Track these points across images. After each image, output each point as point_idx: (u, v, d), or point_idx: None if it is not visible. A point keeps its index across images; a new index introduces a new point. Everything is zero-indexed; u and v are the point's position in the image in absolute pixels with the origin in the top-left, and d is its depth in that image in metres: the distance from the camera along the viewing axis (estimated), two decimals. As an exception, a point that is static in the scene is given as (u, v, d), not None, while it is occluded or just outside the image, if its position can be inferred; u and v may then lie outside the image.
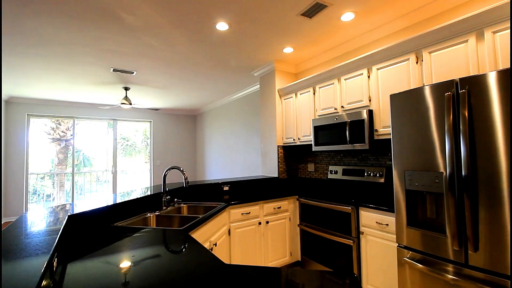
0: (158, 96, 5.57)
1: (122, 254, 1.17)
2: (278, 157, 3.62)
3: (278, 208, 2.86)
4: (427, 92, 1.68)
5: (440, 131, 1.62)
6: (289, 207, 2.96)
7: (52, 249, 0.92)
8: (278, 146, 3.62)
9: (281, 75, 3.77)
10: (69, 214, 1.51)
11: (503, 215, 1.37)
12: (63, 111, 6.07)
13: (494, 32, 1.72)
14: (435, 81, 2.02)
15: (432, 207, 1.70)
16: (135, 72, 3.98)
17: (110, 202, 1.86)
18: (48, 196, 6.38)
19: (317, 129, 2.97)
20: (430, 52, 2.06)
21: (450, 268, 1.57)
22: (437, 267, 1.62)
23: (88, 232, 1.52)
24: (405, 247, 1.80)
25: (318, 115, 3.06)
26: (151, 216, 2.00)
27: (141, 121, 7.14)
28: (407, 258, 1.77)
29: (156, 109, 6.00)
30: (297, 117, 3.38)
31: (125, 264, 1.06)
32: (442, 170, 1.61)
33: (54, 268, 0.95)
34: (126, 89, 4.81)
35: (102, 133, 6.69)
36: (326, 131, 2.86)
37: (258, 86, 4.80)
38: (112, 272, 0.98)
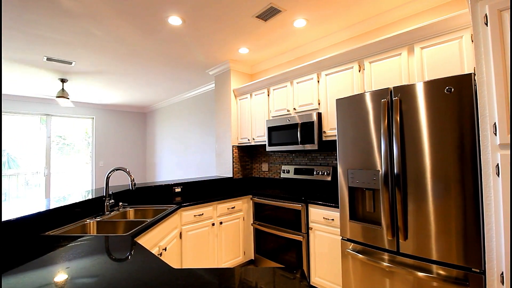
0: (101, 90, 5.10)
1: (54, 267, 1.04)
2: (233, 157, 3.61)
3: (232, 208, 2.86)
4: (367, 98, 1.85)
5: (377, 133, 1.80)
6: (243, 207, 2.98)
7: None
8: (233, 146, 3.62)
9: (237, 75, 3.77)
10: (-15, 224, 1.29)
11: (427, 207, 1.58)
12: (-19, 104, 5.15)
13: (422, 48, 1.98)
14: (374, 88, 2.24)
15: (370, 202, 1.87)
16: (74, 63, 3.58)
17: (41, 208, 1.64)
18: (-41, 204, 5.34)
19: (271, 130, 3.04)
20: (370, 62, 2.28)
21: (385, 256, 1.75)
22: (375, 256, 1.80)
23: (12, 244, 1.32)
24: (348, 240, 1.96)
25: (272, 116, 3.14)
26: (91, 222, 1.82)
27: (81, 118, 6.45)
28: (350, 249, 1.93)
29: (71, 107, 5.44)
30: (252, 117, 3.42)
31: (59, 278, 0.95)
32: (378, 168, 1.79)
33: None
34: (63, 81, 4.29)
35: (32, 130, 5.86)
36: (279, 131, 2.95)
37: (213, 85, 4.73)
38: (41, 288, 0.86)
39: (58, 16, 2.41)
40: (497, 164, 1.28)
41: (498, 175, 1.28)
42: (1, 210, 0.89)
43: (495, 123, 1.29)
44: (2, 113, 5.46)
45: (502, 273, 1.27)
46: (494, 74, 1.29)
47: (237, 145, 3.66)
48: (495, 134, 1.29)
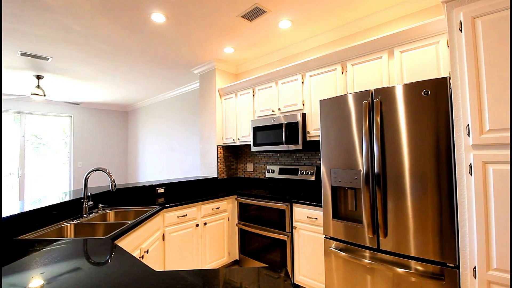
0: (80, 88, 4.91)
1: (28, 272, 0.99)
2: (217, 157, 3.58)
3: (217, 208, 2.84)
4: (350, 99, 1.90)
5: (359, 134, 1.85)
6: (227, 207, 2.96)
7: None
8: (217, 146, 3.59)
9: (222, 74, 3.75)
10: (-50, 229, 1.20)
11: (406, 205, 1.63)
12: None
13: (402, 52, 2.05)
14: (356, 89, 2.29)
15: (352, 200, 1.92)
16: (50, 59, 3.42)
17: (14, 211, 1.56)
18: None
19: (256, 130, 3.05)
20: (353, 64, 2.33)
21: (366, 253, 1.80)
22: (357, 253, 1.85)
23: (-20, 250, 1.24)
24: (331, 238, 2.00)
25: (257, 116, 3.15)
26: (68, 225, 1.75)
27: (58, 116, 6.18)
28: (332, 248, 1.97)
29: (77, 103, 5.17)
30: (237, 117, 3.41)
31: (33, 284, 0.90)
32: (360, 168, 1.83)
33: None
34: (39, 77, 4.09)
35: (5, 128, 5.54)
36: (264, 132, 2.96)
37: (198, 84, 4.68)
38: (12, 296, 0.82)
39: (35, 9, 2.29)
40: (470, 164, 1.35)
41: (471, 174, 1.35)
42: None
43: (468, 125, 1.36)
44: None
45: (475, 267, 1.33)
46: (468, 78, 1.35)
47: (222, 145, 3.63)
48: (468, 135, 1.36)
